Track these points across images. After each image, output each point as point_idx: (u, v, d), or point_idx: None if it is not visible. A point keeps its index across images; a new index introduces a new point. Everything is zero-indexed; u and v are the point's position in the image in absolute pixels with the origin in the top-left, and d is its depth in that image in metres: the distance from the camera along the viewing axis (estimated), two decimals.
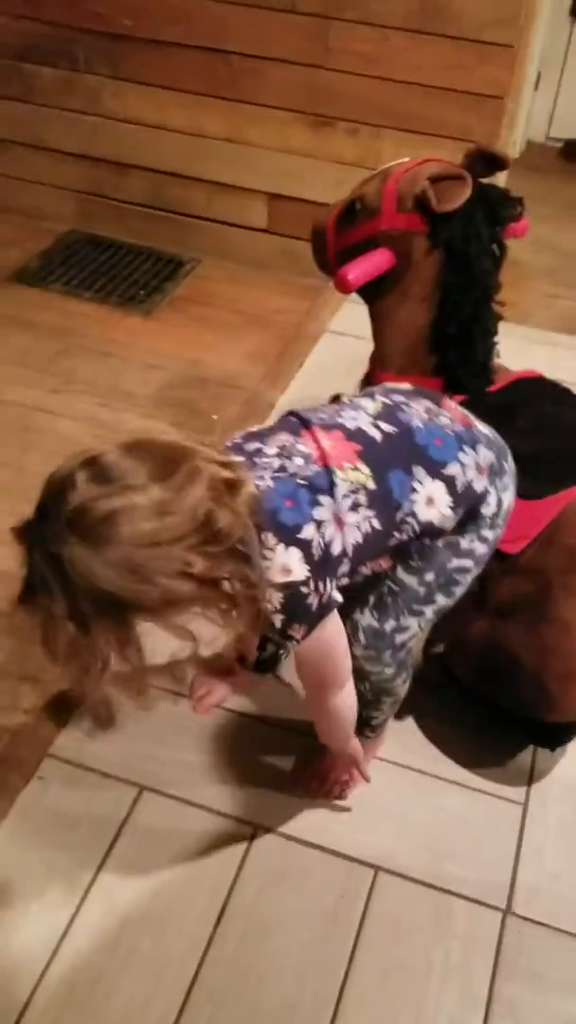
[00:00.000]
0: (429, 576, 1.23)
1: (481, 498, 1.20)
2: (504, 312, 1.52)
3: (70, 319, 2.54)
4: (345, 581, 1.15)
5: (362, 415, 1.18)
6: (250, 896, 1.35)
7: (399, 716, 1.53)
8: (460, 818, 1.47)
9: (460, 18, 2.29)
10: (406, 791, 1.49)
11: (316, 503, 1.08)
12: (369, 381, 1.60)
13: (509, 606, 1.40)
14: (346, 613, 1.32)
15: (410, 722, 1.58)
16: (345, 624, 1.32)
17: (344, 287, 1.46)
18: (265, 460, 1.10)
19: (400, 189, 1.44)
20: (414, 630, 1.29)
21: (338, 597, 1.12)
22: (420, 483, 1.15)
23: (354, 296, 1.54)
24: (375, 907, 1.35)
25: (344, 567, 1.12)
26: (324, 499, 1.09)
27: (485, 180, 1.46)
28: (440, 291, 1.47)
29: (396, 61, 2.40)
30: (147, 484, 0.94)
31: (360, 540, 1.12)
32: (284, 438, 1.13)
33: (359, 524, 1.12)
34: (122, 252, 2.85)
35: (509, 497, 1.25)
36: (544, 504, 1.38)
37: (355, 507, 1.11)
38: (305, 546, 1.06)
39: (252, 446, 1.13)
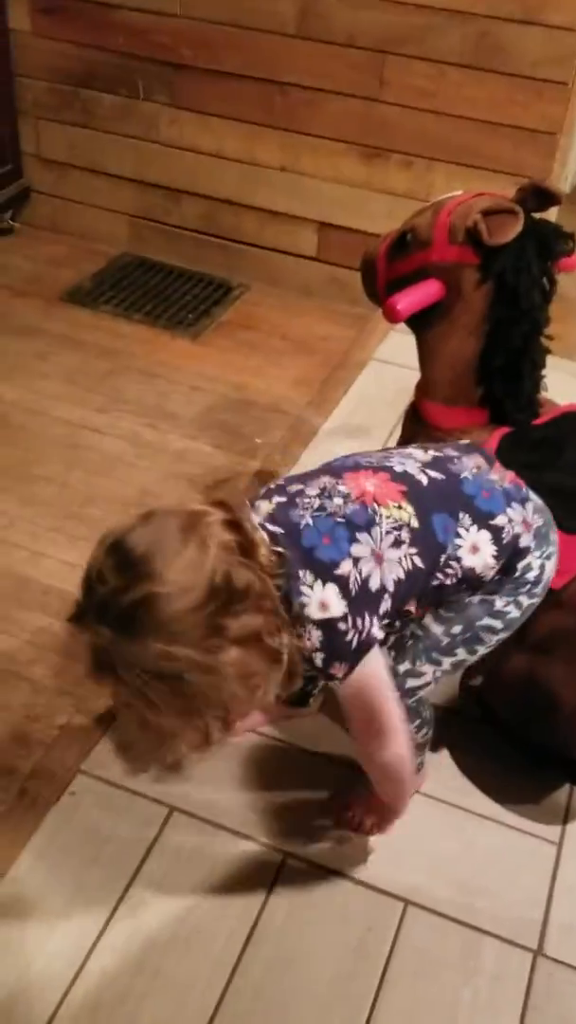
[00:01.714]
0: (456, 628, 1.23)
1: (524, 552, 1.20)
2: (552, 346, 1.52)
3: (119, 340, 2.57)
4: (386, 622, 1.15)
5: (411, 462, 1.20)
6: (277, 924, 1.34)
7: (433, 749, 1.51)
8: (493, 855, 1.45)
9: (516, 55, 2.31)
10: (439, 825, 1.48)
11: (354, 539, 1.10)
12: (415, 410, 1.61)
13: (549, 641, 1.39)
14: None
15: (445, 756, 1.57)
16: None
17: (393, 317, 1.47)
18: (306, 500, 1.13)
19: (452, 222, 1.45)
20: (428, 679, 1.27)
21: (378, 634, 1.12)
22: (466, 529, 1.16)
23: (401, 325, 1.55)
24: (403, 941, 1.33)
25: (385, 604, 1.12)
26: (362, 536, 1.10)
27: (537, 215, 1.47)
28: (489, 323, 1.47)
29: (451, 96, 2.41)
30: (166, 566, 0.97)
31: (402, 576, 1.12)
32: (325, 480, 1.16)
33: (400, 560, 1.12)
34: (172, 276, 2.89)
35: (551, 567, 1.25)
36: None
37: (397, 544, 1.12)
38: (342, 582, 1.08)
39: (294, 487, 1.16)
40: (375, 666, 1.14)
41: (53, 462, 2.12)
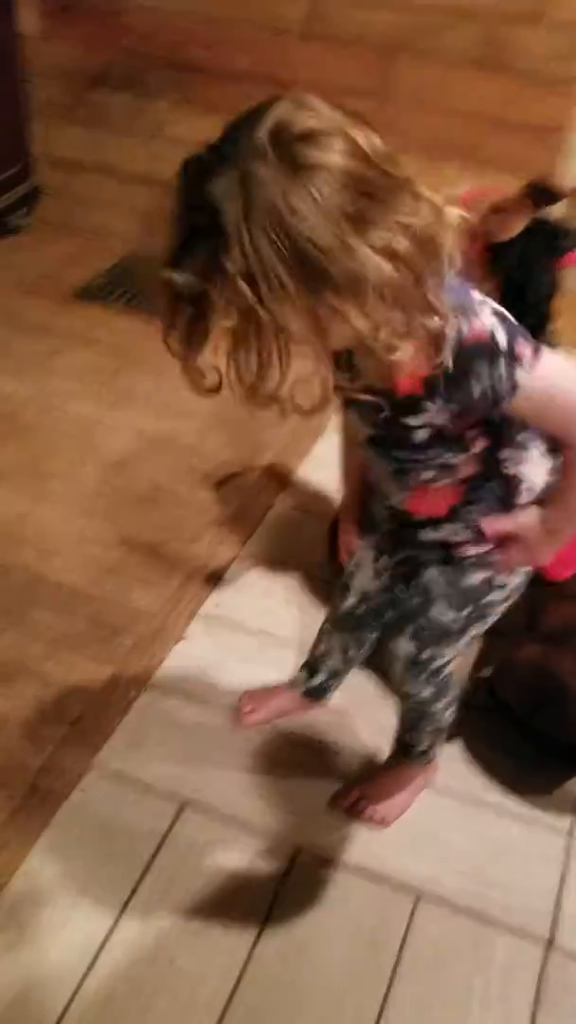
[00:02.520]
0: (465, 612, 1.23)
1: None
2: (558, 340, 1.53)
3: (130, 336, 2.58)
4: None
5: None
6: (289, 916, 1.34)
7: (445, 740, 1.52)
8: (504, 846, 1.45)
9: (523, 53, 2.32)
10: (449, 816, 1.48)
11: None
12: None
13: (560, 633, 1.39)
14: (384, 641, 1.32)
15: (455, 747, 1.57)
16: (383, 652, 1.32)
17: None
18: None
19: None
20: (450, 655, 1.28)
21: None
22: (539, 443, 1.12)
23: None
24: (415, 933, 1.34)
25: None
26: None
27: (542, 211, 1.47)
28: None
29: (459, 94, 2.42)
30: (358, 127, 0.80)
31: None
32: None
33: None
34: None
35: None
36: None
37: None
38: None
39: None
40: (557, 358, 0.97)
41: (65, 459, 2.13)
